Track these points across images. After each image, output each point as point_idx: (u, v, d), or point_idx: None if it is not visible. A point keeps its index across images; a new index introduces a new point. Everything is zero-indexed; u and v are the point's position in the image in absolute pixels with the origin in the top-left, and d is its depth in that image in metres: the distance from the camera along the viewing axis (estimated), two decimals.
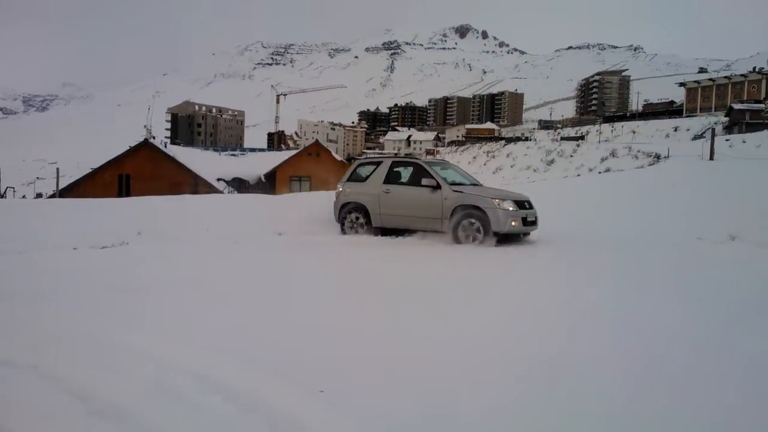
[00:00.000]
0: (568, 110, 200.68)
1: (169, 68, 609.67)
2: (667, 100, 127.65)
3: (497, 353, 4.36)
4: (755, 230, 11.35)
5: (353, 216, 11.98)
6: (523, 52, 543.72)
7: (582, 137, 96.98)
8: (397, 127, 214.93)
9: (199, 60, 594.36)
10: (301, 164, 44.30)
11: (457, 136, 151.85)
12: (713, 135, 43.36)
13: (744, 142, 53.77)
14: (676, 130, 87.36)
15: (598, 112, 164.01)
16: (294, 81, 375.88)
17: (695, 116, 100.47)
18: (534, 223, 11.02)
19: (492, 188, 12.23)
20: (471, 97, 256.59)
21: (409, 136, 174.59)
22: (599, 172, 52.76)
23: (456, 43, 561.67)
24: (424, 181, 11.16)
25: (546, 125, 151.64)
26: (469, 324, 5.22)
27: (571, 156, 71.93)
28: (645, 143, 69.13)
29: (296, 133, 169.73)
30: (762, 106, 77.91)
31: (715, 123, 78.38)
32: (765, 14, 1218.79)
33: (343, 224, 12.13)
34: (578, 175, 52.20)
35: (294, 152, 49.48)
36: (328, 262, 8.90)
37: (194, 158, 39.46)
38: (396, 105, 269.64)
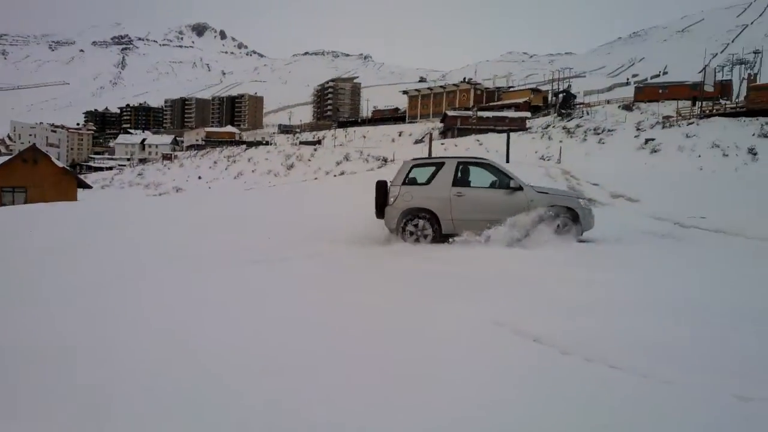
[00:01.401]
0: (307, 115, 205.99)
1: None
2: (393, 107, 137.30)
3: None
4: None
5: (420, 223, 10.32)
6: (262, 55, 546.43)
7: (319, 141, 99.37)
8: (130, 130, 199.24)
9: None
10: (15, 173, 37.61)
11: (197, 140, 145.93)
12: (431, 139, 46.80)
13: (456, 145, 59.36)
14: (400, 135, 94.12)
15: (333, 118, 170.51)
16: (7, 75, 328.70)
17: (416, 122, 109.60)
18: None
19: (553, 188, 11.89)
20: (210, 98, 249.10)
21: (144, 140, 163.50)
22: (334, 175, 53.99)
23: (193, 42, 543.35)
24: (511, 183, 10.39)
25: (286, 129, 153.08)
26: None
27: (310, 160, 72.96)
28: (374, 147, 73.02)
29: (9, 136, 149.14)
30: (470, 113, 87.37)
31: (433, 128, 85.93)
32: (473, 31, 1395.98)
33: (403, 232, 10.33)
34: (315, 179, 52.79)
35: (5, 158, 41.61)
36: None
37: None
38: (128, 105, 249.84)
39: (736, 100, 62.72)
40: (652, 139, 47.93)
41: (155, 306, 6.06)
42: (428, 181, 10.66)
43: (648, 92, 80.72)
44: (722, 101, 63.73)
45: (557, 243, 9.64)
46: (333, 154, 73.06)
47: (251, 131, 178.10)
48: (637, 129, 53.94)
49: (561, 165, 37.82)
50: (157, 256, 9.29)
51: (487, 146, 57.41)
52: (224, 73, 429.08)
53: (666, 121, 55.00)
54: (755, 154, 39.85)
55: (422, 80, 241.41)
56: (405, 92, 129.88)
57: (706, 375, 3.90)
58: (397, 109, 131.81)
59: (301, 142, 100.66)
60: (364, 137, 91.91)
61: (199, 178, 72.75)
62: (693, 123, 50.67)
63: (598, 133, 56.02)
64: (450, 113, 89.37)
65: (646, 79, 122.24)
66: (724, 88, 73.05)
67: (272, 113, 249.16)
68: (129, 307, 6.03)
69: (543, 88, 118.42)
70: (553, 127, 69.35)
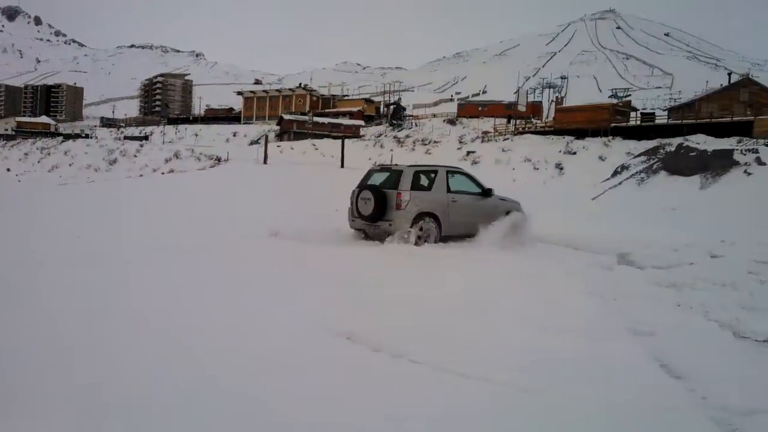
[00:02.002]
0: (132, 109, 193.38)
1: None
2: (227, 107, 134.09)
3: None
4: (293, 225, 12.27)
5: (428, 225, 11.04)
6: (82, 45, 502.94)
7: (146, 137, 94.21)
8: None
9: None
10: None
11: (6, 129, 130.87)
12: (266, 141, 46.82)
13: (292, 148, 59.79)
14: (235, 135, 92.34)
15: (162, 113, 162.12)
16: None
17: (252, 123, 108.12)
18: None
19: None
20: (23, 86, 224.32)
21: None
22: (162, 173, 51.82)
23: (3, 26, 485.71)
24: (487, 191, 12.08)
25: (108, 123, 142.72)
26: None
27: (135, 156, 68.90)
28: (207, 146, 70.90)
29: None
30: (306, 118, 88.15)
31: (269, 130, 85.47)
32: (309, 38, 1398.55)
33: (409, 234, 10.76)
34: (141, 176, 50.28)
35: None
36: None
37: None
38: None
39: (546, 120, 69.62)
40: (473, 152, 51.95)
41: None
42: (429, 188, 11.42)
43: (469, 109, 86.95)
44: (533, 120, 70.39)
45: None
46: (162, 151, 69.70)
47: (69, 123, 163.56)
48: (460, 142, 58.04)
49: None
50: None
51: (323, 151, 58.51)
52: (39, 61, 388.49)
53: (485, 136, 59.67)
54: (561, 168, 44.80)
55: (258, 82, 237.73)
56: (240, 93, 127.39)
57: (495, 369, 4.50)
58: (231, 109, 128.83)
59: (126, 137, 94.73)
60: (197, 135, 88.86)
61: (8, 170, 65.83)
62: (508, 139, 55.61)
63: (426, 144, 59.47)
64: (286, 117, 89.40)
65: (467, 97, 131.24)
66: (535, 109, 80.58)
67: (93, 105, 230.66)
68: None
69: (375, 99, 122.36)
70: (385, 136, 72.23)
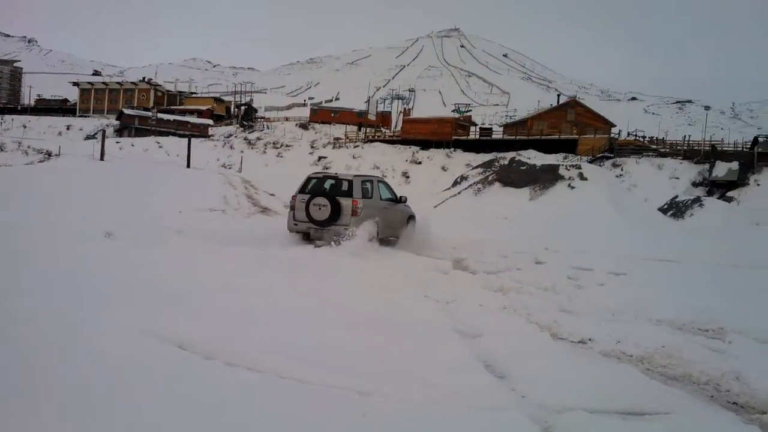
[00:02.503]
0: None
1: None
2: (62, 98, 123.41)
3: None
4: (131, 227, 11.82)
5: (372, 229, 11.81)
6: None
7: None
8: None
9: None
10: None
11: None
12: (104, 136, 43.63)
13: (133, 145, 56.42)
14: (68, 129, 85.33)
15: None
16: None
17: (89, 116, 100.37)
18: None
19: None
20: None
21: None
22: None
23: None
24: (400, 197, 13.71)
25: None
26: None
27: None
28: (37, 139, 64.81)
29: None
30: (150, 113, 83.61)
31: (107, 125, 79.90)
32: (154, 30, 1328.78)
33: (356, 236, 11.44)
34: None
35: None
36: None
37: None
38: None
39: (394, 130, 71.76)
40: (325, 157, 52.32)
41: None
42: (371, 195, 12.46)
43: (322, 114, 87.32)
44: (383, 129, 72.30)
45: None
46: None
47: None
48: (312, 147, 58.20)
49: (242, 174, 38.91)
50: None
51: (168, 149, 55.79)
52: None
53: (336, 142, 60.37)
54: (408, 177, 46.38)
55: (97, 73, 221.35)
56: (76, 84, 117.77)
57: (333, 374, 4.54)
58: (66, 101, 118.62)
59: None
60: (25, 127, 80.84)
61: None
62: (359, 146, 56.69)
63: (277, 147, 58.91)
64: (127, 111, 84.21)
65: (320, 103, 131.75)
66: (384, 118, 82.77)
67: None
68: None
69: (226, 98, 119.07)
70: (236, 137, 70.54)
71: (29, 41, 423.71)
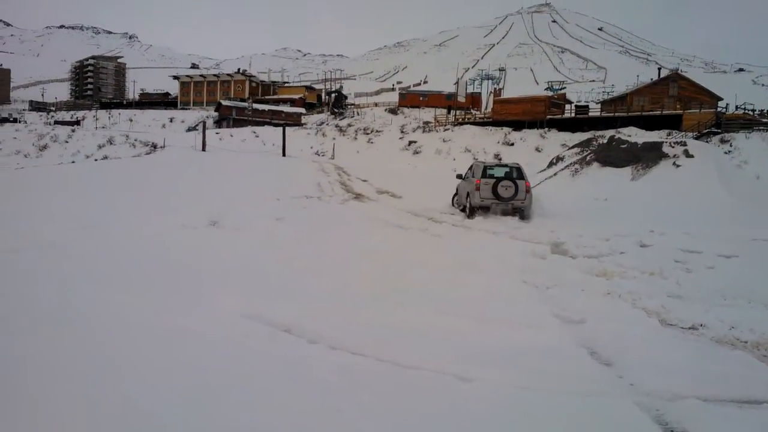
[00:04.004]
0: (63, 92, 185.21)
1: None
2: (163, 92, 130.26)
3: None
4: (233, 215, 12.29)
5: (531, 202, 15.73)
6: (8, 24, 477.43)
7: (78, 122, 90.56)
8: None
9: None
10: None
11: None
12: (204, 128, 45.73)
13: (231, 135, 58.65)
14: (171, 121, 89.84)
15: (94, 98, 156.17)
16: None
17: (189, 109, 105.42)
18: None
19: None
20: None
21: None
22: (96, 159, 49.98)
23: None
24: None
25: (38, 107, 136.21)
26: None
27: (67, 142, 66.18)
28: (142, 132, 68.76)
29: None
30: (246, 104, 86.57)
31: (207, 116, 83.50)
32: (248, 22, 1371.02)
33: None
34: (73, 162, 48.36)
35: None
36: None
37: None
38: None
39: (485, 111, 70.64)
40: (415, 142, 52.28)
41: None
42: (525, 177, 15.91)
43: (410, 99, 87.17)
44: (473, 111, 71.34)
45: None
46: (95, 137, 67.22)
47: None
48: (402, 132, 58.26)
49: (334, 161, 39.67)
50: None
51: (264, 139, 57.63)
52: None
53: (426, 126, 60.16)
54: (500, 159, 45.64)
55: (195, 66, 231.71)
56: (176, 77, 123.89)
57: (432, 359, 4.60)
58: (167, 94, 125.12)
59: (57, 122, 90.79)
60: (131, 120, 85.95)
61: None
62: (448, 129, 56.23)
63: (368, 133, 59.42)
64: (225, 103, 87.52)
65: (409, 87, 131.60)
66: (474, 100, 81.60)
67: (21, 88, 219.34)
68: None
69: (317, 86, 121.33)
70: (327, 124, 71.77)
71: (130, 37, 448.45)
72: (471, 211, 15.67)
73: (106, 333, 4.89)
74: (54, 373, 3.91)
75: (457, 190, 18.30)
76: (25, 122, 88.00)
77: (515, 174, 15.93)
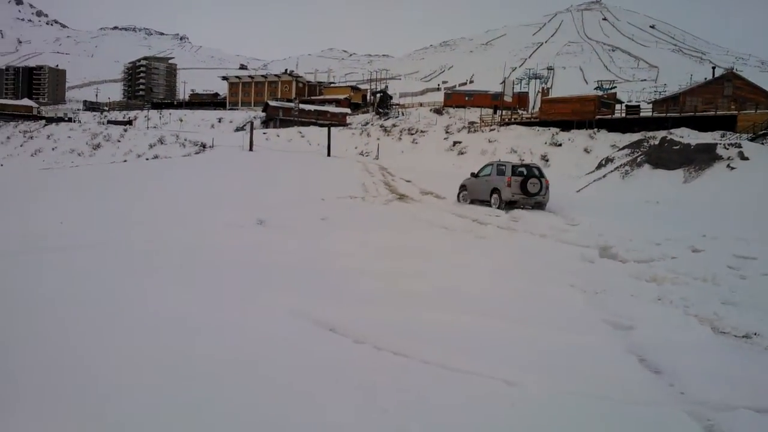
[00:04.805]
0: (116, 93, 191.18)
1: None
2: (212, 92, 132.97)
3: None
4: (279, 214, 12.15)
5: (495, 196, 17.88)
6: (64, 26, 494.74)
7: (130, 122, 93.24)
8: None
9: None
10: None
11: None
12: (252, 128, 46.49)
13: (278, 136, 59.45)
14: (220, 121, 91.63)
15: (146, 98, 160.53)
16: None
17: (237, 109, 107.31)
18: None
19: None
20: (4, 68, 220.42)
21: None
22: (147, 159, 51.37)
23: None
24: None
25: (92, 107, 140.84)
26: None
27: (119, 141, 68.26)
28: (192, 132, 70.36)
29: None
30: (292, 105, 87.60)
31: (254, 117, 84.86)
32: (295, 23, 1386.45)
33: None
34: (125, 161, 49.84)
35: None
36: None
37: None
38: None
39: (532, 111, 69.67)
40: (459, 142, 52.01)
41: None
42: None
43: (456, 98, 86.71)
44: (520, 111, 70.46)
45: None
46: (146, 137, 69.12)
47: (52, 106, 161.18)
48: (447, 132, 58.03)
49: (378, 161, 39.81)
50: None
51: (310, 139, 58.29)
52: (20, 42, 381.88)
53: (471, 126, 59.75)
54: (547, 160, 44.95)
55: (243, 67, 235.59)
56: (225, 78, 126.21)
57: (478, 362, 4.58)
58: (216, 94, 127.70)
59: (110, 122, 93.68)
60: (181, 120, 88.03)
61: None
62: (494, 129, 55.71)
63: (412, 134, 59.39)
64: (272, 103, 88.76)
65: (454, 86, 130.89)
66: (521, 99, 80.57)
67: (76, 88, 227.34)
68: None
69: (362, 86, 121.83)
70: (372, 124, 72.06)
71: (181, 38, 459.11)
72: (507, 205, 17.51)
73: (165, 329, 5.05)
74: (135, 360, 4.07)
75: (465, 186, 19.61)
76: (79, 122, 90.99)
77: (537, 172, 17.93)
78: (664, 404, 4.11)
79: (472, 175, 19.63)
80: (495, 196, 17.84)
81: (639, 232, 12.11)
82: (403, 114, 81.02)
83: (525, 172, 17.79)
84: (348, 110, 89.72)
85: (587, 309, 6.61)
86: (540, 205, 17.60)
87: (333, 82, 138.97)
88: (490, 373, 4.39)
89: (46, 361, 4.17)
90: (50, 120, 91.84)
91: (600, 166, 29.21)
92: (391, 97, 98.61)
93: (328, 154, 41.83)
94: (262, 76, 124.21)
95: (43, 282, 6.64)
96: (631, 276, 8.36)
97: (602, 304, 6.82)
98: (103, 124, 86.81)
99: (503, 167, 18.21)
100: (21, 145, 69.46)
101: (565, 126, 51.47)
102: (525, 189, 17.16)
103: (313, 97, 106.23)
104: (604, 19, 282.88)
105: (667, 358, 4.97)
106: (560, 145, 47.43)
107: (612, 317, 6.20)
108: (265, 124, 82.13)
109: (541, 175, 17.80)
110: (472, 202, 18.82)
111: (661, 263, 9.17)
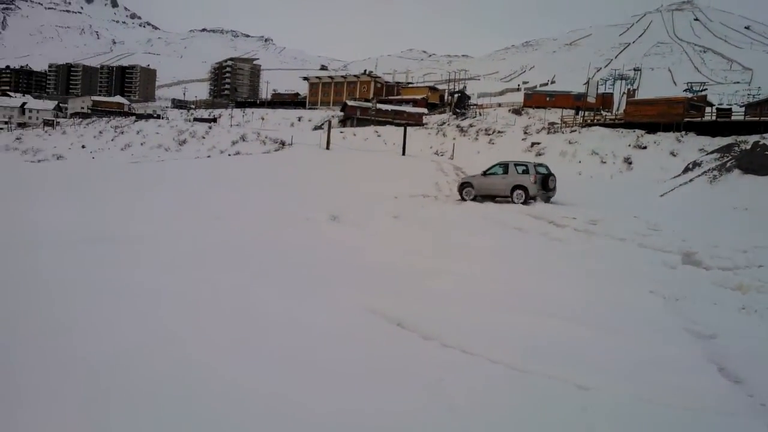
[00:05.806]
0: (202, 92, 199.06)
1: None
2: (293, 92, 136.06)
3: None
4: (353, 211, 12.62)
5: (519, 192, 19.19)
6: (156, 28, 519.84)
7: (215, 119, 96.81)
8: (9, 93, 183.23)
9: None
10: None
11: (82, 108, 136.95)
12: (329, 127, 47.28)
13: (355, 135, 60.17)
14: (299, 120, 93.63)
15: (230, 97, 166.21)
16: None
17: (317, 108, 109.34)
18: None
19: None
20: (99, 67, 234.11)
21: (24, 104, 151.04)
22: (229, 155, 53.19)
23: (82, 8, 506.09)
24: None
25: (179, 105, 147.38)
26: None
27: (204, 137, 70.91)
28: (272, 130, 72.28)
29: None
30: (370, 104, 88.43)
31: (333, 116, 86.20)
32: (375, 25, 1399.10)
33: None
34: (209, 157, 51.77)
35: None
36: None
37: None
38: (8, 67, 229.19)
39: (616, 113, 67.38)
40: (538, 143, 50.95)
41: None
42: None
43: (536, 99, 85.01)
44: (603, 112, 68.31)
45: None
46: (229, 134, 71.51)
47: (142, 104, 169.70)
48: (525, 132, 56.98)
49: (453, 161, 39.58)
50: None
51: (385, 138, 58.68)
52: (114, 42, 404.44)
53: (551, 127, 58.39)
54: (630, 163, 43.40)
55: (323, 68, 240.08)
56: (306, 78, 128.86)
57: (549, 364, 4.52)
58: (297, 94, 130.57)
59: (196, 119, 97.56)
60: (263, 119, 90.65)
61: (83, 147, 68.96)
62: (575, 131, 54.22)
63: (489, 134, 58.67)
64: (350, 103, 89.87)
65: (535, 87, 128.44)
66: (605, 100, 78.11)
67: (165, 87, 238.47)
68: None
69: (440, 87, 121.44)
70: (448, 124, 71.69)
71: (266, 40, 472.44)
72: (530, 198, 18.90)
73: (247, 322, 5.24)
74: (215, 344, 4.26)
75: (469, 184, 20.42)
76: (167, 119, 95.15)
77: (548, 171, 20.12)
78: (742, 415, 3.92)
79: (483, 173, 20.79)
80: (518, 192, 19.04)
81: (725, 238, 11.49)
82: (480, 114, 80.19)
83: (545, 171, 19.87)
84: (425, 110, 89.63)
85: (666, 316, 6.36)
86: (549, 199, 19.36)
87: (411, 83, 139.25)
88: (562, 376, 4.32)
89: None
90: (140, 116, 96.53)
91: (687, 170, 27.89)
92: (469, 98, 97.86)
93: (403, 153, 41.98)
94: (342, 76, 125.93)
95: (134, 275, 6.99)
96: (714, 283, 7.96)
97: (683, 311, 6.55)
98: (190, 121, 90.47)
99: (525, 167, 19.78)
100: (112, 140, 73.28)
101: (651, 128, 49.44)
102: (546, 185, 19.21)
103: (390, 97, 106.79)
104: (696, 19, 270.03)
105: (749, 368, 4.73)
106: (645, 147, 45.62)
107: (692, 325, 5.95)
108: (343, 123, 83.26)
109: (553, 173, 20.29)
110: (475, 198, 19.85)
111: (746, 271, 8.68)
